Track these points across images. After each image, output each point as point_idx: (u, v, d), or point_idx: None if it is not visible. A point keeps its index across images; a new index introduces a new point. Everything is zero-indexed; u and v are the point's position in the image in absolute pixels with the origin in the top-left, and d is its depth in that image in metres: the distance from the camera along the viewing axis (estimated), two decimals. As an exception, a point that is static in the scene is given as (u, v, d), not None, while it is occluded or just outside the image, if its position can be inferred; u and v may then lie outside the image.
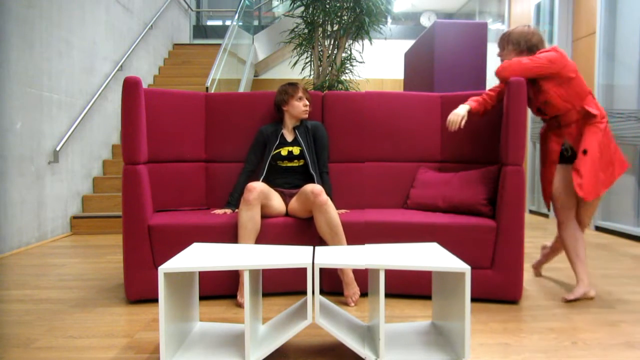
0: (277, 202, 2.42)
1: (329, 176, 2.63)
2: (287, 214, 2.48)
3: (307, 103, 2.57)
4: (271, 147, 2.56)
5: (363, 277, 2.37)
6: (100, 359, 1.67)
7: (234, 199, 2.56)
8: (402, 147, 2.76)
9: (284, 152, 2.55)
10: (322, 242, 2.38)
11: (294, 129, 2.61)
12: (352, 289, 2.29)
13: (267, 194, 2.33)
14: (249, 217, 2.22)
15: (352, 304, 2.27)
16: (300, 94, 2.56)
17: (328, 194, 2.53)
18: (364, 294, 2.40)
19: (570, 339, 1.86)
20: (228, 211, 2.50)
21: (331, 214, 2.23)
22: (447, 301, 1.74)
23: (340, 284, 2.36)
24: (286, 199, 2.50)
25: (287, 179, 2.56)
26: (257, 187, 2.25)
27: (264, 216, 2.38)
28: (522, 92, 2.25)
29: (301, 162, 2.57)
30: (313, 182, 2.56)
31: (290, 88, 2.58)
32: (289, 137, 2.60)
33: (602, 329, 1.96)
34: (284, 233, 2.36)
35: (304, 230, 2.38)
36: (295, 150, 2.55)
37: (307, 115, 2.59)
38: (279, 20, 8.64)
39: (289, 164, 2.56)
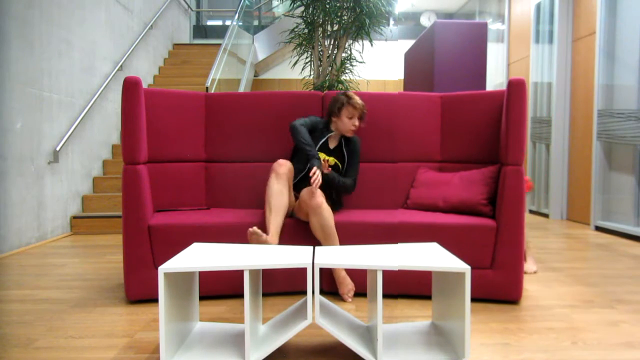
0: (291, 198, 2.39)
1: (355, 182, 2.58)
2: (292, 215, 2.48)
3: (357, 124, 2.49)
4: (316, 143, 2.52)
5: (362, 277, 2.37)
6: (100, 359, 1.67)
7: (314, 151, 2.38)
8: (402, 147, 2.76)
9: (321, 156, 2.48)
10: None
11: (341, 137, 2.57)
12: (347, 286, 2.31)
13: (290, 179, 2.34)
14: (279, 190, 2.23)
15: (349, 300, 2.30)
16: (356, 113, 2.47)
17: (344, 186, 2.50)
18: (363, 294, 2.40)
19: (570, 339, 1.86)
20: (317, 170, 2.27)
21: (324, 216, 2.22)
22: (447, 301, 1.74)
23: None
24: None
25: (308, 185, 2.51)
26: (287, 163, 2.27)
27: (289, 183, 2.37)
28: (522, 92, 2.25)
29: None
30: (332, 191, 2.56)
31: (347, 102, 2.46)
32: (332, 144, 2.56)
33: (602, 329, 1.96)
34: (285, 233, 2.36)
35: (304, 231, 2.38)
36: (331, 161, 2.51)
37: (349, 135, 2.53)
38: (279, 20, 8.64)
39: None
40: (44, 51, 3.90)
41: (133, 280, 2.27)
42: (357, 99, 2.50)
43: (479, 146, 2.62)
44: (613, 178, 4.37)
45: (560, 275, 2.80)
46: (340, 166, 2.55)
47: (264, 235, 2.11)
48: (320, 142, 2.53)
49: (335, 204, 2.59)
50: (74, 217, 4.31)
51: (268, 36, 8.66)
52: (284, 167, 2.27)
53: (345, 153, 2.55)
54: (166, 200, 2.60)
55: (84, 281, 2.69)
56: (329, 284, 2.39)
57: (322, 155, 2.48)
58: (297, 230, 2.37)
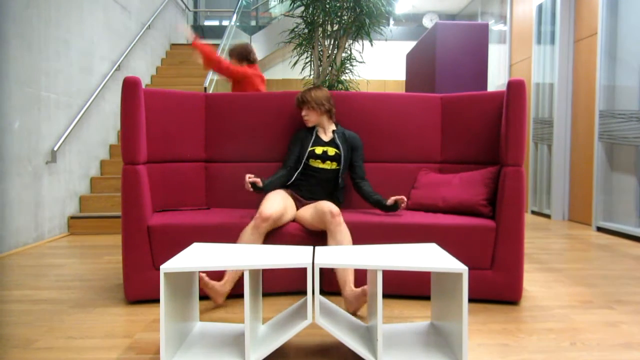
0: (288, 216, 2.36)
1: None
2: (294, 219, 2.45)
3: (304, 114, 2.53)
4: (307, 145, 2.51)
5: (362, 277, 2.37)
6: (99, 360, 1.67)
7: (268, 186, 2.40)
8: (403, 148, 2.76)
9: (318, 150, 2.50)
10: (322, 242, 2.37)
11: (333, 131, 2.57)
12: (354, 304, 2.10)
13: (280, 217, 2.28)
14: (252, 242, 2.20)
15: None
16: (299, 107, 2.55)
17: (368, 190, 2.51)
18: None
19: (569, 339, 1.86)
20: (257, 182, 2.27)
21: (344, 238, 2.19)
22: (445, 302, 1.73)
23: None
24: (299, 206, 2.48)
25: (313, 188, 2.50)
26: (272, 216, 2.19)
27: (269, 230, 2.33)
28: (521, 92, 2.24)
29: (334, 165, 2.51)
30: (337, 189, 2.55)
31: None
32: (324, 137, 2.55)
33: (602, 329, 1.96)
34: (285, 233, 2.35)
35: (304, 231, 2.37)
36: (330, 151, 2.50)
37: (308, 125, 2.55)
38: (277, 21, 8.64)
39: (322, 165, 2.50)
40: (42, 51, 3.89)
41: (132, 280, 2.26)
42: (298, 95, 2.55)
43: (479, 147, 2.61)
44: (615, 179, 4.37)
45: (560, 276, 2.80)
46: (342, 158, 2.51)
47: (212, 282, 2.14)
48: (313, 139, 2.53)
49: (340, 204, 2.60)
50: (72, 218, 4.30)
51: (266, 36, 8.66)
52: (268, 222, 2.19)
53: (341, 146, 2.52)
54: (166, 200, 2.59)
55: (82, 282, 2.68)
56: (329, 284, 2.39)
57: (320, 149, 2.49)
58: (297, 230, 2.37)
